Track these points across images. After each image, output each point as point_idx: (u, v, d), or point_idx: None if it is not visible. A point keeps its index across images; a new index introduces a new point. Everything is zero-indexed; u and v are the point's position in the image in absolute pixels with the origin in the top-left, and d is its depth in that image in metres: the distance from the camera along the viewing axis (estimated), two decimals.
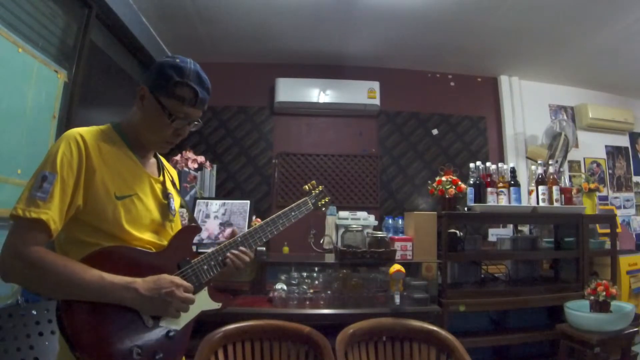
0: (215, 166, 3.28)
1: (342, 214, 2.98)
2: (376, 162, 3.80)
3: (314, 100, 3.61)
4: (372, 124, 3.86)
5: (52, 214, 0.87)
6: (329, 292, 2.26)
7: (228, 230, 1.20)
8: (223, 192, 3.62)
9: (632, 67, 3.61)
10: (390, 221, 2.79)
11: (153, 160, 1.13)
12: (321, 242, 2.91)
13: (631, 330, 2.17)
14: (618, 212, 3.77)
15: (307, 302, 2.19)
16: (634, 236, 3.83)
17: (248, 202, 2.56)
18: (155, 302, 0.92)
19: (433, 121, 3.93)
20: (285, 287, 2.24)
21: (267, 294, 2.26)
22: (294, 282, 2.35)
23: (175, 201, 1.14)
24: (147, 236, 1.02)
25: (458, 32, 3.18)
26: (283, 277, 2.35)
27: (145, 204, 1.02)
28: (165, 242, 1.06)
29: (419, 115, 3.92)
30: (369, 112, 3.77)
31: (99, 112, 2.79)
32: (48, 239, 0.88)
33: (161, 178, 1.11)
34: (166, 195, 1.10)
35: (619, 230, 3.20)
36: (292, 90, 3.60)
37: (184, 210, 1.29)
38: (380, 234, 2.42)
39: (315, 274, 2.45)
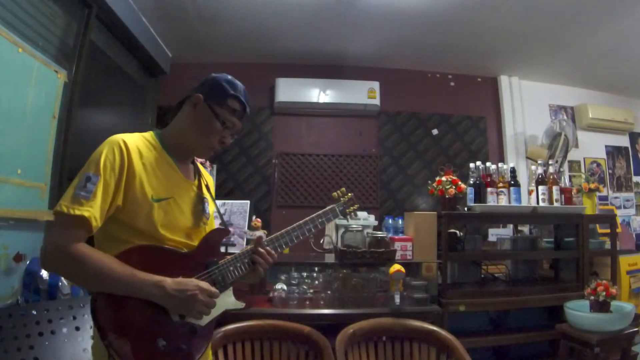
0: (215, 166, 3.28)
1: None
2: (376, 162, 3.80)
3: (314, 100, 3.61)
4: (372, 124, 3.86)
5: (94, 212, 0.93)
6: (329, 292, 2.26)
7: (257, 235, 1.24)
8: (223, 192, 3.62)
9: (632, 67, 3.61)
10: (390, 221, 2.79)
11: (191, 166, 1.19)
12: (321, 242, 2.91)
13: (631, 330, 2.17)
14: (618, 212, 3.77)
15: (307, 302, 2.19)
16: (634, 236, 3.83)
17: (248, 202, 2.56)
18: (179, 302, 0.98)
19: (433, 121, 3.93)
20: (285, 287, 2.24)
21: (267, 294, 2.26)
22: (294, 282, 2.35)
23: (210, 206, 1.21)
24: (180, 237, 1.08)
25: (458, 32, 3.18)
26: (283, 277, 2.35)
27: (180, 207, 1.09)
28: (196, 243, 1.11)
29: (419, 115, 3.92)
30: (369, 112, 3.77)
31: (99, 112, 2.79)
32: (88, 235, 0.95)
33: (197, 183, 1.18)
34: (201, 199, 1.16)
35: (619, 230, 3.20)
36: (292, 90, 3.60)
37: (217, 214, 1.33)
38: (380, 234, 2.41)
39: (315, 274, 2.45)
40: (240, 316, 1.74)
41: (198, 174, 1.20)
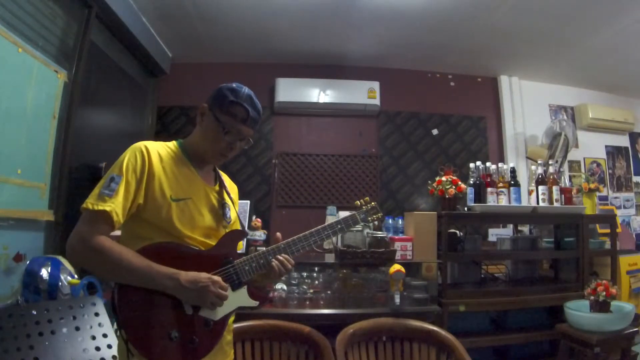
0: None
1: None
2: (376, 162, 3.80)
3: (314, 100, 3.60)
4: (372, 124, 3.86)
5: (116, 207, 1.02)
6: (329, 292, 2.26)
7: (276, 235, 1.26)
8: None
9: (632, 67, 3.61)
10: (390, 221, 2.79)
11: (212, 172, 1.27)
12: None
13: (631, 330, 2.17)
14: (618, 212, 3.77)
15: (307, 302, 2.19)
16: (634, 236, 3.83)
17: (248, 202, 2.56)
18: (193, 293, 1.04)
19: (433, 121, 3.93)
20: (285, 287, 2.24)
21: (267, 293, 2.26)
22: (294, 282, 2.35)
23: (232, 211, 1.27)
24: (198, 236, 1.14)
25: (458, 32, 3.18)
26: (283, 277, 2.34)
27: (199, 208, 1.16)
28: (214, 243, 1.17)
29: (419, 115, 3.92)
30: (369, 112, 3.76)
31: (99, 112, 2.79)
32: (111, 229, 1.04)
33: (217, 187, 1.25)
34: (222, 204, 1.23)
35: (619, 230, 3.20)
36: (292, 90, 3.60)
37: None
38: (380, 234, 2.41)
39: (315, 274, 2.45)
40: (240, 316, 1.74)
41: (220, 180, 1.27)
